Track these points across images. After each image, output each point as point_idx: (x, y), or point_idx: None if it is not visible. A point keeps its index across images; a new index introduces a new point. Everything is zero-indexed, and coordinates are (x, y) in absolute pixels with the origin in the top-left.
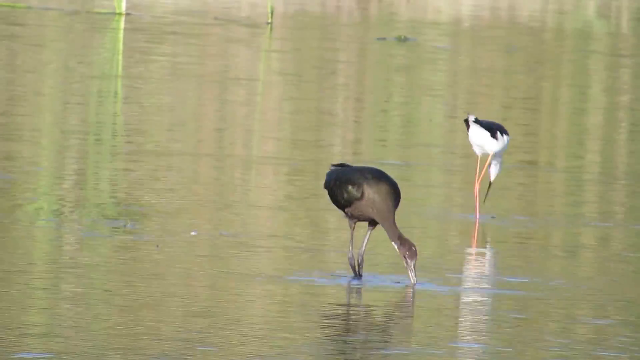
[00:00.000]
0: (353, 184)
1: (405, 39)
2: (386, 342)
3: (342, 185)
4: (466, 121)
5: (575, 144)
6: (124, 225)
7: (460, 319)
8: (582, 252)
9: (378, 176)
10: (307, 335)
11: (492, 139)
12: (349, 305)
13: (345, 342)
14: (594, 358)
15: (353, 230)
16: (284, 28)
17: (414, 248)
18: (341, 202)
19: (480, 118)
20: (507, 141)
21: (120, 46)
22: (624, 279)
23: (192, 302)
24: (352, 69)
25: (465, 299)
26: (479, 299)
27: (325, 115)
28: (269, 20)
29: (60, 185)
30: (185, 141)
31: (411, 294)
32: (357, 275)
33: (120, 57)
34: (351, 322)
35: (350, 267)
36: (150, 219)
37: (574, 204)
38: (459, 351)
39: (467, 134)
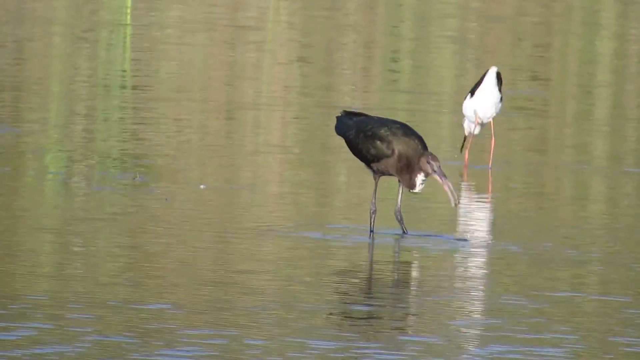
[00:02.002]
0: (382, 140)
1: None
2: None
3: (368, 140)
4: (483, 76)
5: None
6: (134, 178)
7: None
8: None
9: (407, 132)
10: (316, 292)
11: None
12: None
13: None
14: None
15: (377, 182)
16: None
17: (429, 155)
18: (367, 157)
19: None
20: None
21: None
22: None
23: (200, 255)
24: (363, 24)
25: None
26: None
27: (333, 61)
28: None
29: (69, 137)
30: (195, 91)
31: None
32: (403, 231)
33: (130, 5)
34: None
35: (370, 219)
36: (160, 172)
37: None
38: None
39: (472, 93)
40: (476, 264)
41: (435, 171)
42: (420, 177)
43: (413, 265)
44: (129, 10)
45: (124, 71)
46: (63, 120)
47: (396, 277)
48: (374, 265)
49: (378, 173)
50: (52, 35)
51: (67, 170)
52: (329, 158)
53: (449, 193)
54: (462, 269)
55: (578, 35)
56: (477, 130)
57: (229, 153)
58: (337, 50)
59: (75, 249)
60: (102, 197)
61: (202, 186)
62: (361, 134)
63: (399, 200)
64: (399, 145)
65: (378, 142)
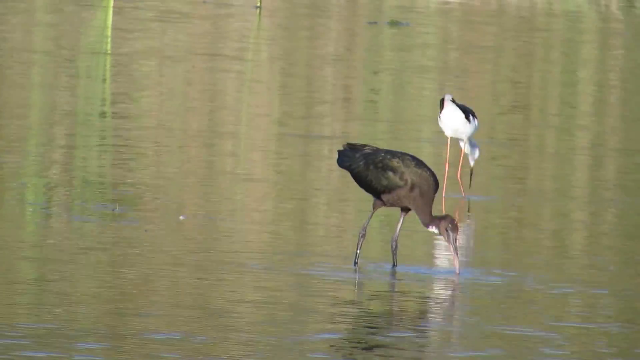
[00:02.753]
0: (394, 171)
1: (397, 23)
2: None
3: (379, 171)
4: (442, 101)
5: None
6: (113, 209)
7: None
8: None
9: (419, 164)
10: (295, 330)
11: (466, 121)
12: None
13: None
14: None
15: (375, 211)
16: (273, 12)
17: (454, 221)
18: (378, 188)
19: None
20: (477, 125)
21: (110, 25)
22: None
23: (178, 288)
24: (343, 51)
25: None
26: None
27: (315, 93)
28: (258, 4)
29: (48, 167)
30: (174, 120)
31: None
32: (393, 263)
33: (110, 36)
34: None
35: (358, 243)
36: (140, 202)
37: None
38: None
39: (439, 116)
40: (456, 296)
41: (450, 242)
42: (434, 230)
43: (398, 297)
44: (109, 39)
45: (104, 100)
46: (42, 149)
47: (384, 308)
48: (358, 297)
49: (388, 204)
50: (31, 63)
51: (46, 200)
52: (308, 188)
53: (456, 263)
54: (451, 300)
55: (558, 65)
56: (466, 150)
57: (209, 183)
58: (317, 80)
59: (54, 279)
60: (82, 227)
61: (181, 217)
62: (371, 166)
63: (398, 229)
64: (412, 176)
65: (390, 173)
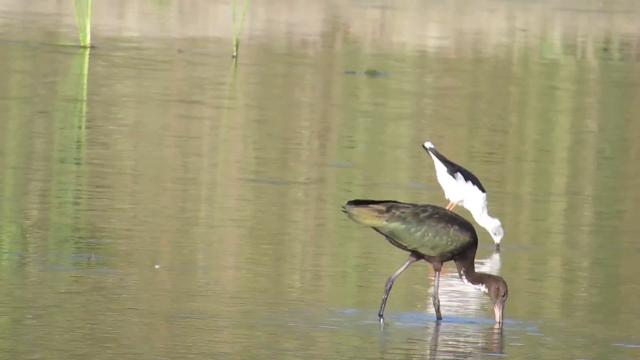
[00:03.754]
0: (467, 230)
1: (375, 73)
2: None
3: (451, 230)
4: (425, 148)
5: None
6: (89, 258)
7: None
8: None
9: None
10: None
11: (448, 175)
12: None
13: None
14: None
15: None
16: (249, 61)
17: (505, 293)
18: (449, 248)
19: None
20: (476, 194)
21: (85, 76)
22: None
23: (152, 338)
24: (320, 102)
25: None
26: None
27: (290, 140)
28: (234, 54)
29: (23, 214)
30: (149, 166)
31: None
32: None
33: (85, 86)
34: None
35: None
36: (115, 251)
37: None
38: None
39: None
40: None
41: (498, 307)
42: (484, 289)
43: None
44: (85, 86)
45: (79, 146)
46: (17, 196)
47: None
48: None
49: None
50: (6, 109)
51: (21, 248)
52: (285, 235)
53: (499, 318)
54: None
55: (534, 114)
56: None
57: (184, 231)
58: (292, 126)
59: (30, 329)
60: (57, 277)
61: (157, 266)
62: (442, 226)
63: (400, 271)
64: (475, 233)
65: (464, 233)
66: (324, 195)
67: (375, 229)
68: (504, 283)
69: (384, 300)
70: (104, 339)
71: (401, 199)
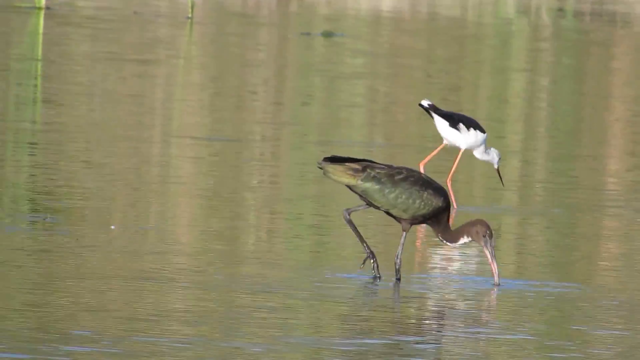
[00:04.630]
0: (440, 195)
1: (331, 34)
2: None
3: (424, 194)
4: (423, 107)
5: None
6: (44, 219)
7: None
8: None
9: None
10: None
11: (452, 129)
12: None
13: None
14: None
15: (406, 236)
16: (205, 22)
17: (488, 224)
18: (422, 211)
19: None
20: (478, 137)
21: (40, 36)
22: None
23: (107, 298)
24: (275, 63)
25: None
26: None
27: (245, 98)
28: (190, 15)
29: None
30: (104, 127)
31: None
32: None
33: (40, 46)
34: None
35: (396, 273)
36: (71, 212)
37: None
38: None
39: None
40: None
41: (487, 248)
42: (466, 240)
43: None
44: (40, 46)
45: (34, 105)
46: None
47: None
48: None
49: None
50: None
51: None
52: (239, 193)
53: (495, 273)
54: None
55: (488, 72)
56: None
57: (139, 191)
58: (248, 85)
59: None
60: (12, 237)
61: (112, 227)
62: (415, 188)
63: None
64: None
65: (435, 196)
66: (279, 153)
67: (349, 187)
68: (482, 223)
69: (358, 235)
70: (60, 299)
71: (355, 156)
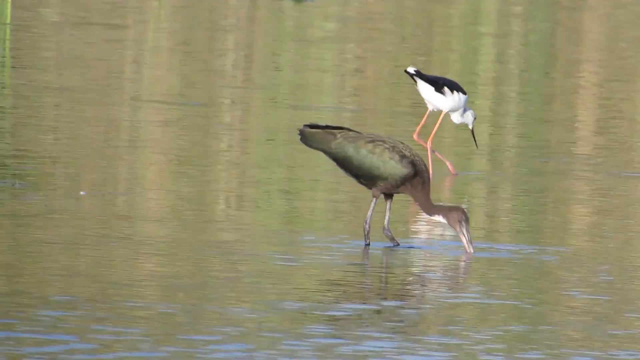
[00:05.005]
0: (408, 163)
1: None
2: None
3: (392, 162)
4: (408, 73)
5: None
6: (13, 185)
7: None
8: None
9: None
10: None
11: (437, 93)
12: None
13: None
14: None
15: (376, 201)
16: None
17: (466, 212)
18: (390, 179)
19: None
20: (461, 99)
21: (8, 2)
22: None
23: (79, 267)
24: (245, 27)
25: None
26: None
27: (215, 61)
28: None
29: None
30: (73, 91)
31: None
32: (395, 242)
33: (9, 11)
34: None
35: (365, 238)
36: (40, 177)
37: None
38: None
39: (417, 88)
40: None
41: (463, 234)
42: (441, 219)
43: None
44: (9, 11)
45: (2, 70)
46: None
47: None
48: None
49: (386, 191)
50: None
51: None
52: (209, 157)
53: (467, 245)
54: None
55: (459, 36)
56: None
57: (108, 156)
58: (217, 49)
59: None
60: None
61: (82, 192)
62: (374, 154)
63: (388, 217)
64: (420, 164)
65: (402, 161)
66: (249, 118)
67: (324, 152)
68: (461, 210)
69: (392, 239)
70: (29, 265)
71: (325, 121)
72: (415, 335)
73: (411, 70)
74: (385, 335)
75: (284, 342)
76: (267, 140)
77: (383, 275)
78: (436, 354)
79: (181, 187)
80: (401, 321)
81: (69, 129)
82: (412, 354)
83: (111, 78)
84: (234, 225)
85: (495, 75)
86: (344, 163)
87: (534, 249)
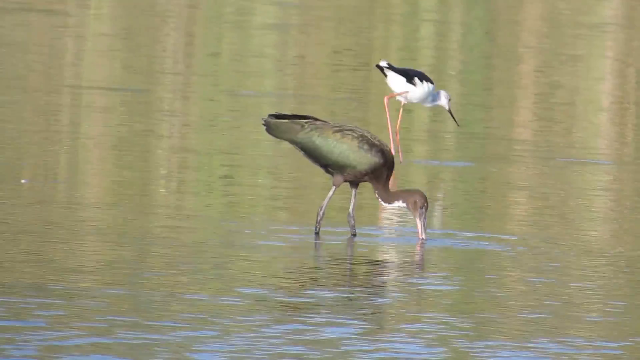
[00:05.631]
0: (378, 152)
1: None
2: None
3: (362, 151)
4: (379, 67)
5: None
6: None
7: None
8: None
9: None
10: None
11: (409, 84)
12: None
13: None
14: None
15: (335, 190)
16: None
17: (426, 197)
18: (359, 167)
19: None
20: (430, 88)
21: None
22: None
23: (20, 255)
24: (185, 13)
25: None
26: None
27: (156, 47)
28: None
29: None
30: (12, 79)
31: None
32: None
33: None
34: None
35: (317, 224)
36: None
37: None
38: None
39: (386, 81)
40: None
41: (420, 219)
42: (401, 204)
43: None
44: None
45: None
46: None
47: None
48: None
49: (348, 179)
50: None
51: None
52: (150, 144)
53: (421, 231)
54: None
55: (399, 21)
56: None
57: (50, 143)
58: (157, 38)
59: None
60: None
61: (23, 181)
62: (342, 141)
63: (353, 204)
64: (388, 152)
65: (371, 149)
66: (189, 104)
67: (291, 142)
68: (422, 195)
69: (353, 228)
70: None
71: (266, 107)
72: (375, 322)
73: (383, 64)
74: (345, 322)
75: (233, 331)
76: (208, 126)
77: (333, 262)
78: (397, 339)
79: (122, 173)
80: (359, 308)
81: (8, 116)
82: (374, 341)
83: (51, 64)
84: (174, 212)
85: (435, 61)
86: (312, 153)
87: (484, 236)
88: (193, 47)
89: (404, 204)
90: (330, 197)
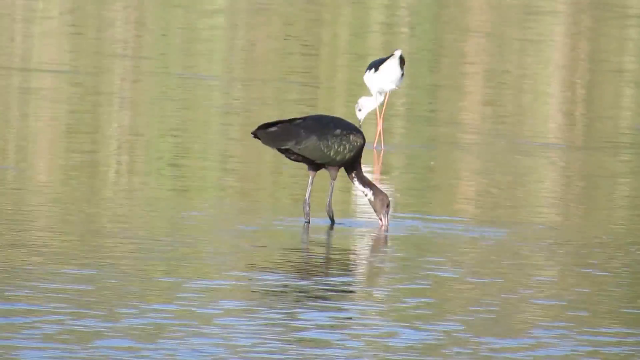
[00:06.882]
0: (358, 132)
1: None
2: None
3: (351, 137)
4: (375, 64)
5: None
6: None
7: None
8: None
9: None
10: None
11: (400, 69)
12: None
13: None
14: None
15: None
16: None
17: (388, 204)
18: (351, 154)
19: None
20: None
21: None
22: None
23: None
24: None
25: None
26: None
27: (104, 36)
28: None
29: None
30: None
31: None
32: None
33: None
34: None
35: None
36: None
37: None
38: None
39: (368, 72)
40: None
41: (384, 217)
42: (370, 195)
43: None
44: None
45: None
46: None
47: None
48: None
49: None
50: None
51: None
52: (99, 132)
53: (384, 224)
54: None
55: (349, 8)
56: (378, 102)
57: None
58: (106, 21)
59: None
60: None
61: None
62: (333, 134)
63: (309, 191)
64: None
65: (353, 136)
66: (138, 86)
67: (287, 150)
68: (387, 197)
69: (308, 215)
70: None
71: (215, 91)
72: (345, 307)
73: (398, 53)
74: (315, 307)
75: (213, 317)
76: (158, 109)
77: (302, 250)
78: (371, 323)
79: (71, 157)
80: (326, 293)
81: None
82: (344, 327)
83: (1, 58)
84: (124, 196)
85: (384, 44)
86: (312, 155)
87: (440, 219)
88: (142, 29)
89: (372, 197)
90: (332, 193)
